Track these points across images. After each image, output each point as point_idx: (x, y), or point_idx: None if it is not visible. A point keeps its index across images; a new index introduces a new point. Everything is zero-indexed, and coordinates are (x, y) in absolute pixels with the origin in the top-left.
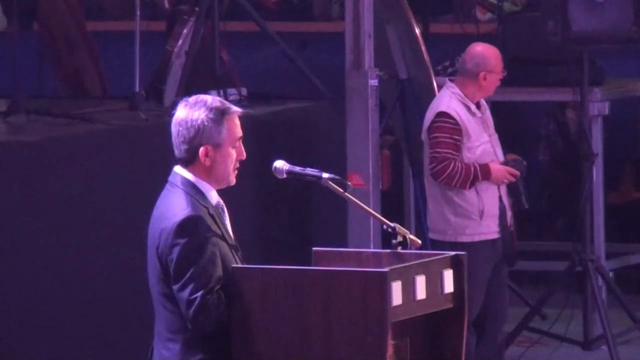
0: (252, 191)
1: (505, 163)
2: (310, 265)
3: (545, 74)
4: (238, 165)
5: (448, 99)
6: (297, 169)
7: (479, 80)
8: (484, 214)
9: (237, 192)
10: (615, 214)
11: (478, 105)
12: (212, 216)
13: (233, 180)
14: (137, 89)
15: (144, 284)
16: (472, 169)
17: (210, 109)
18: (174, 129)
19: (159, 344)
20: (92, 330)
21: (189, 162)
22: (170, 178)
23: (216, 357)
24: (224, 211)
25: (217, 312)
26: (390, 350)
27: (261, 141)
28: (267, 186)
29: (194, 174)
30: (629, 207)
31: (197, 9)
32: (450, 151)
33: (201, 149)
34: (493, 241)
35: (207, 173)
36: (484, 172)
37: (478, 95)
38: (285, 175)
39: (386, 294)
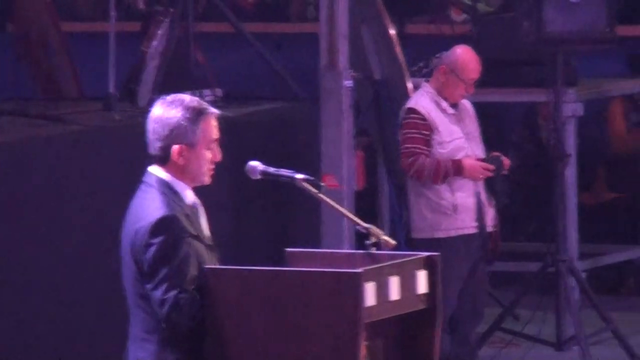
0: (226, 192)
1: (484, 159)
2: (283, 266)
3: (520, 75)
4: (213, 166)
5: (419, 97)
6: (271, 169)
7: (439, 72)
8: (457, 209)
9: (211, 193)
10: (588, 214)
11: (455, 105)
12: (187, 216)
13: (207, 181)
14: (111, 90)
15: (119, 284)
16: (443, 163)
17: (187, 109)
18: (149, 126)
19: (134, 345)
20: (67, 331)
21: (162, 160)
22: (144, 178)
23: (192, 358)
24: (199, 211)
25: (191, 311)
26: (363, 351)
27: (236, 142)
28: (242, 187)
29: (169, 172)
30: (601, 208)
31: (172, 9)
32: (419, 146)
33: (175, 148)
34: (469, 237)
35: (181, 172)
36: (456, 167)
37: (445, 92)
38: (259, 176)
39: (360, 294)
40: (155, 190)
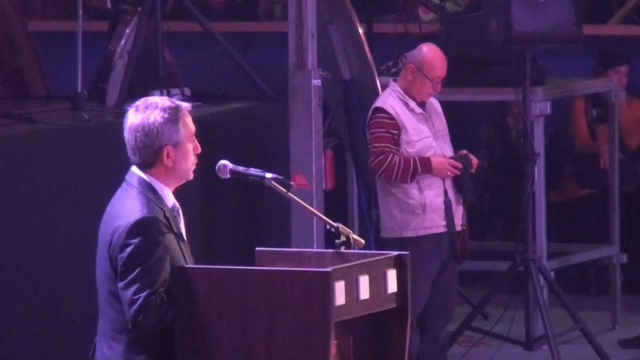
0: (195, 191)
1: (452, 157)
2: (253, 266)
3: (488, 74)
4: (196, 160)
5: (386, 96)
6: (241, 169)
7: (406, 72)
8: (426, 208)
9: (180, 193)
10: (557, 213)
11: (422, 104)
12: (167, 219)
13: (192, 176)
14: (79, 89)
15: (86, 283)
16: (412, 161)
17: (164, 110)
18: (130, 136)
19: (101, 342)
20: (34, 328)
21: (148, 165)
22: (127, 177)
23: (161, 358)
24: (179, 214)
25: (159, 313)
26: (333, 350)
27: (205, 141)
28: (211, 186)
29: (153, 175)
30: (570, 205)
31: (139, 8)
32: (387, 145)
33: (163, 151)
34: (439, 236)
35: (168, 173)
36: (424, 165)
37: (412, 91)
38: (228, 175)
39: (329, 293)
40: (136, 190)
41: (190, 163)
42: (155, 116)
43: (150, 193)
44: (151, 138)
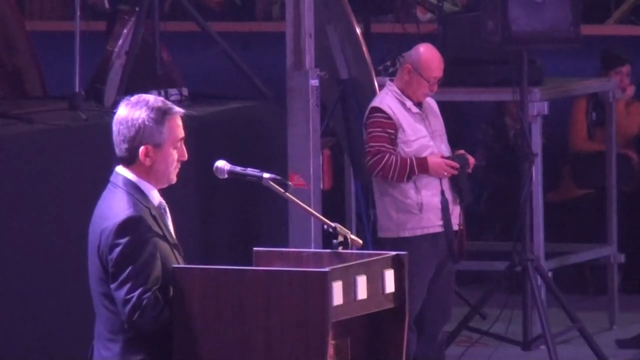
0: (193, 191)
1: (449, 157)
2: (251, 266)
3: (485, 74)
4: (179, 165)
5: (383, 96)
6: (238, 169)
7: (403, 72)
8: (423, 207)
9: (178, 193)
10: (555, 212)
11: (419, 104)
12: (153, 217)
13: (174, 179)
14: (77, 89)
15: (84, 284)
16: (408, 161)
17: (152, 109)
18: (114, 127)
19: (99, 343)
20: (32, 330)
21: (129, 161)
22: (111, 178)
23: (158, 358)
24: (166, 212)
25: (154, 312)
26: (331, 350)
27: (202, 141)
28: (209, 186)
29: (135, 173)
30: (568, 205)
31: (137, 9)
32: (384, 144)
33: (141, 149)
34: (436, 236)
35: (147, 173)
36: (421, 165)
37: (409, 91)
38: (226, 176)
39: (327, 294)
40: (122, 190)
41: (170, 168)
42: (141, 113)
43: (134, 192)
44: (131, 133)
